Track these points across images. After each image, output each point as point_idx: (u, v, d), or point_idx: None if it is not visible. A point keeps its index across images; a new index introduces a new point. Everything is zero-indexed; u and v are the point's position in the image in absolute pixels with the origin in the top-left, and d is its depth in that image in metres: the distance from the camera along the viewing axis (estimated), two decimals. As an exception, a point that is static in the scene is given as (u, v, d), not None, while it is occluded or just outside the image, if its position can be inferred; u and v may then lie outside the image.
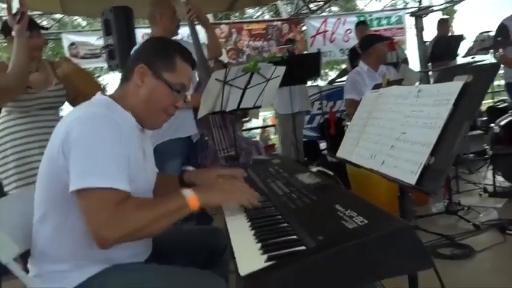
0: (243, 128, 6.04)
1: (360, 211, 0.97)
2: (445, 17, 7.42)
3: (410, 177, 1.14)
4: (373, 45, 3.35)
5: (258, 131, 9.78)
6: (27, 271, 1.25)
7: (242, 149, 2.86)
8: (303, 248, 0.92)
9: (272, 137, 9.52)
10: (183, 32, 3.85)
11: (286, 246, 0.95)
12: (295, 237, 1.00)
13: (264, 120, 12.09)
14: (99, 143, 1.11)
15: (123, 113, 1.26)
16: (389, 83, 1.59)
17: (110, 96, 1.31)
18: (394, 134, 1.34)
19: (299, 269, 0.82)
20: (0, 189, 1.98)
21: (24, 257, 1.34)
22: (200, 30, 2.90)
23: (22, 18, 1.92)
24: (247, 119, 4.86)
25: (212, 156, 2.82)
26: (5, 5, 1.93)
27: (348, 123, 2.23)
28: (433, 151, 1.13)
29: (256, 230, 1.10)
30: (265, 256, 0.91)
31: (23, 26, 1.94)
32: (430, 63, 6.24)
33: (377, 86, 1.78)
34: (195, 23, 2.83)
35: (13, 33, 1.97)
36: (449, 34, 6.03)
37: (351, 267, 0.82)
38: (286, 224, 1.11)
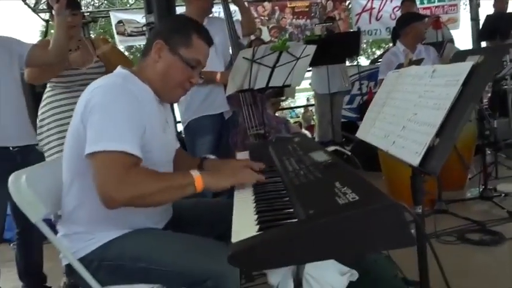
0: (280, 107, 6.02)
1: (355, 188, 0.99)
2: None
3: (414, 158, 1.15)
4: (410, 24, 3.18)
5: (302, 110, 9.73)
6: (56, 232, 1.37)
7: (272, 128, 2.88)
8: (295, 220, 0.96)
9: (315, 116, 9.43)
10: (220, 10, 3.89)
11: (280, 219, 1.00)
12: (291, 210, 1.05)
13: (307, 99, 11.95)
14: (115, 109, 1.18)
15: (141, 85, 1.33)
16: (411, 63, 1.57)
17: (130, 69, 1.38)
18: (407, 115, 1.33)
19: (284, 240, 0.87)
20: (41, 158, 2.15)
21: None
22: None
23: (61, -2, 2.04)
24: (283, 98, 4.85)
25: (242, 134, 2.87)
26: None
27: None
28: (439, 132, 1.12)
29: (258, 202, 1.16)
30: (257, 226, 0.96)
31: (62, 5, 2.06)
32: (483, 42, 5.92)
33: (399, 66, 1.75)
34: (229, 0, 2.87)
35: (53, 11, 2.10)
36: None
37: (332, 240, 0.85)
38: (287, 199, 1.15)
